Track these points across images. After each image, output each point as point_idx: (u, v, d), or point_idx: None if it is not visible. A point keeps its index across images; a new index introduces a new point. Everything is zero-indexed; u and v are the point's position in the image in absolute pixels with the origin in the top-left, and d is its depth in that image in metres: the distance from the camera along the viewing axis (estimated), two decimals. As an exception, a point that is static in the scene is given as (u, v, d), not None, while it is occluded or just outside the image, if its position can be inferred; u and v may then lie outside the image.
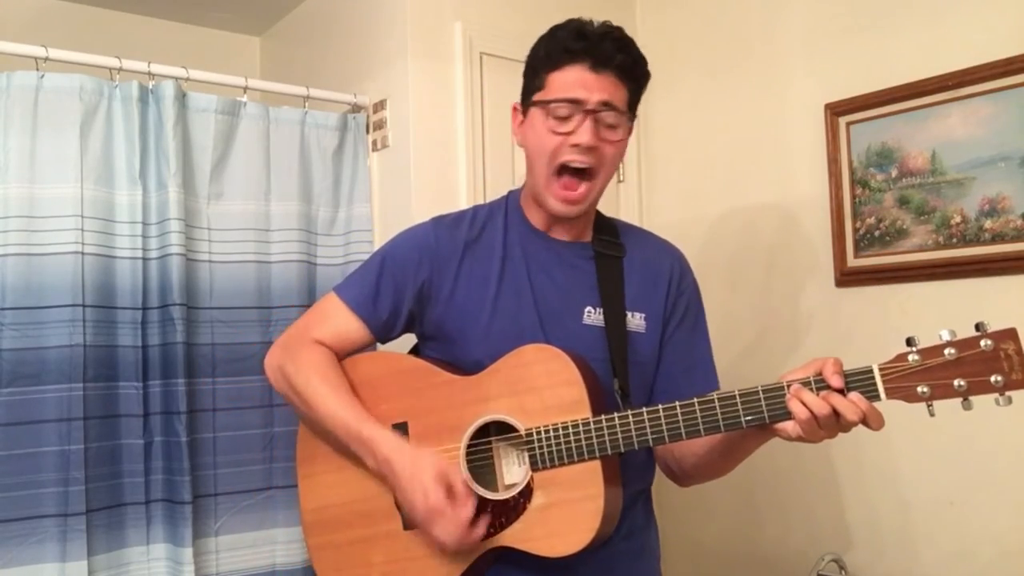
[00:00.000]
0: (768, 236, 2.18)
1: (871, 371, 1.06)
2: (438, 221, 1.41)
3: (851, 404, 1.05)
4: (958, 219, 1.80)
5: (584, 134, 1.24)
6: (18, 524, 1.65)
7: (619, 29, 1.29)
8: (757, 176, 2.20)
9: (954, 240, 1.80)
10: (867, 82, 1.94)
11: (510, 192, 1.44)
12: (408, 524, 1.28)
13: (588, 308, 1.32)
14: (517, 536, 1.20)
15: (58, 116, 1.75)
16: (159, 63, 1.88)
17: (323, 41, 2.50)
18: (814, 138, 2.05)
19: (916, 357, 1.04)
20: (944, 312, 1.81)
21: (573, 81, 1.26)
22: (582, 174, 1.28)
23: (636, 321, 1.33)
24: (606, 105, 1.25)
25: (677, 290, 1.38)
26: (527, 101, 1.33)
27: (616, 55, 1.26)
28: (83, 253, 1.73)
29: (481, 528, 1.19)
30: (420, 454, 1.21)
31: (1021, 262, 1.70)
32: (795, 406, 1.07)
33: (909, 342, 1.05)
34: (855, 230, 1.97)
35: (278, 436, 1.94)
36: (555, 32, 1.30)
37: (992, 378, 1.01)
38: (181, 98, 1.89)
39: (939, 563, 1.83)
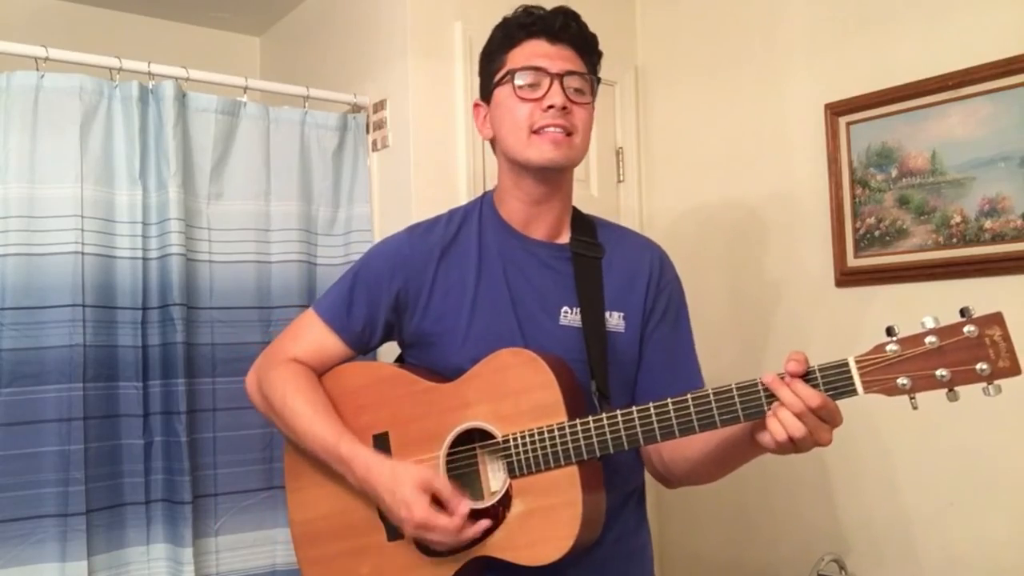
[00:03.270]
0: (768, 236, 2.17)
1: (847, 364, 1.01)
2: (412, 229, 1.40)
3: (808, 388, 1.00)
4: (958, 219, 1.80)
5: (556, 95, 1.24)
6: (18, 524, 1.65)
7: (568, 7, 1.31)
8: (757, 176, 2.20)
9: (954, 240, 1.80)
10: (867, 82, 1.94)
11: (485, 193, 1.42)
12: (392, 535, 1.27)
13: (565, 308, 1.30)
14: (499, 545, 1.19)
15: (58, 116, 1.75)
16: (159, 63, 1.88)
17: (323, 41, 2.50)
18: (814, 138, 2.05)
19: (895, 347, 0.98)
20: (944, 312, 1.80)
21: (533, 52, 1.27)
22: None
23: (615, 321, 1.31)
24: (570, 72, 1.27)
25: (657, 287, 1.36)
26: (489, 87, 1.33)
27: (570, 25, 1.29)
28: (83, 253, 1.74)
29: (476, 526, 1.17)
30: (397, 468, 1.20)
31: (1021, 262, 1.70)
32: (779, 391, 1.02)
33: (889, 331, 0.99)
34: (855, 230, 1.97)
35: (278, 436, 1.92)
36: (506, 20, 1.33)
37: (977, 366, 0.94)
38: (181, 98, 1.89)
39: (939, 563, 1.83)
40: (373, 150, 2.21)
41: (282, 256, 2.01)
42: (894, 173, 1.90)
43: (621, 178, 2.48)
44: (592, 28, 1.32)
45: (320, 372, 1.37)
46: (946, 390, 0.97)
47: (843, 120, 1.98)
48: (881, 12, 1.94)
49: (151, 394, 1.81)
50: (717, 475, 1.29)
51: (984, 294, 1.76)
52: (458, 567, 1.22)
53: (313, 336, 1.37)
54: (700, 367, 1.39)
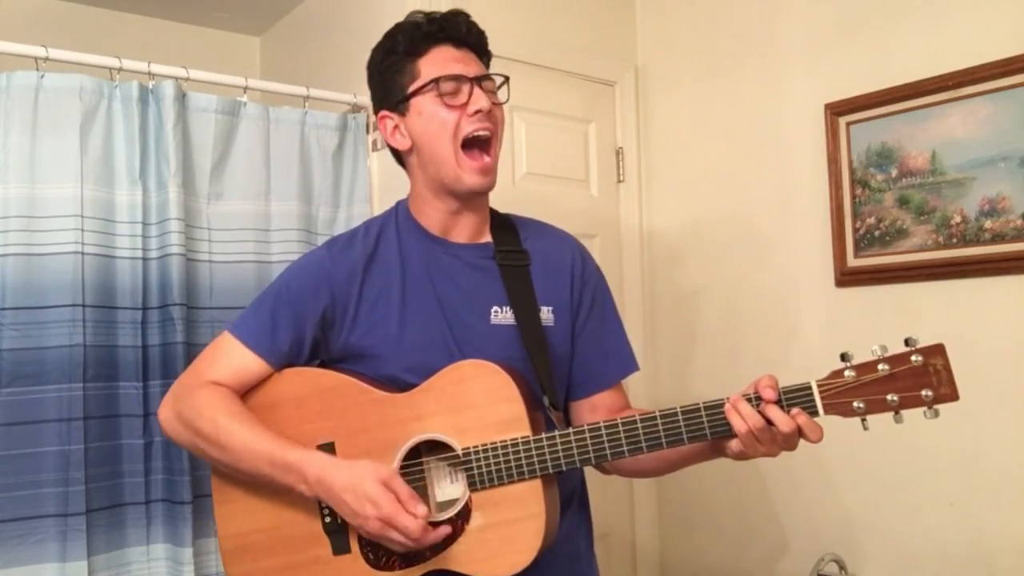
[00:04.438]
0: (768, 236, 2.18)
1: (810, 387, 1.09)
2: (331, 244, 1.37)
3: (784, 415, 1.08)
4: (958, 219, 1.80)
5: (481, 100, 1.25)
6: (18, 524, 1.64)
7: (460, 8, 1.33)
8: (757, 176, 2.20)
9: (954, 240, 1.80)
10: (867, 82, 1.94)
11: (398, 203, 1.40)
12: (337, 549, 1.24)
13: (495, 308, 1.30)
14: (457, 558, 1.18)
15: (58, 116, 1.75)
16: (159, 63, 1.87)
17: (323, 41, 2.50)
18: (814, 138, 2.05)
19: (852, 373, 1.07)
20: (944, 312, 1.82)
21: (445, 59, 1.28)
22: (484, 145, 1.28)
23: (545, 316, 1.32)
24: (486, 76, 1.29)
25: (581, 280, 1.37)
26: (403, 97, 1.30)
27: (472, 30, 1.31)
28: (83, 253, 1.73)
29: (438, 532, 1.16)
30: (355, 466, 1.17)
31: (1021, 262, 1.70)
32: (733, 417, 1.10)
33: (844, 357, 1.08)
34: (855, 230, 1.97)
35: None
36: (403, 27, 1.33)
37: (922, 392, 1.05)
38: (181, 98, 1.89)
39: (939, 563, 1.83)
40: (373, 150, 2.21)
41: (282, 256, 2.01)
42: (894, 173, 1.90)
43: (621, 178, 2.48)
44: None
45: (241, 395, 1.30)
46: (893, 413, 1.07)
47: (843, 120, 1.98)
48: (881, 12, 1.94)
49: (151, 394, 1.81)
50: (665, 473, 1.31)
51: (984, 294, 1.76)
52: None
53: (233, 359, 1.30)
54: (632, 350, 1.40)
